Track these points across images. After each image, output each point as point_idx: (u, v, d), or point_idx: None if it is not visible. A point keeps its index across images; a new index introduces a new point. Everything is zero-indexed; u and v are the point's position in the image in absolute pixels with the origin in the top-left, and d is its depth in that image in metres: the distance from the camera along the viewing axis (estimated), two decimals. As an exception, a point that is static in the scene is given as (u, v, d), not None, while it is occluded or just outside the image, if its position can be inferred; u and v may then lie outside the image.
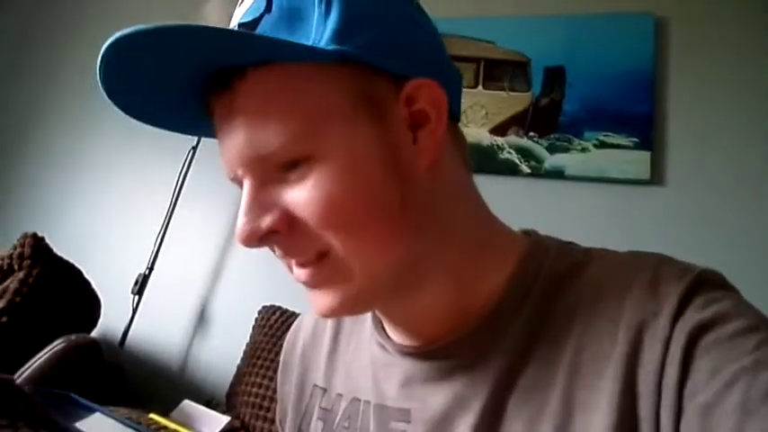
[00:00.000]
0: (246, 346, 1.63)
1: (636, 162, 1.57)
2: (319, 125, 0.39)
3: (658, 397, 0.36)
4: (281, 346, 1.44)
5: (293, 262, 0.44)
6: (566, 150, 1.65)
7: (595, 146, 1.63)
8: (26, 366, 1.20)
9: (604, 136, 1.62)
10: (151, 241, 1.92)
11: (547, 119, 1.70)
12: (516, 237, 0.50)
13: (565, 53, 1.73)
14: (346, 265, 0.41)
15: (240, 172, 0.41)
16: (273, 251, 0.44)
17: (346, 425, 0.51)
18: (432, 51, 0.46)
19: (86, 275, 1.61)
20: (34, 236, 1.44)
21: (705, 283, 0.40)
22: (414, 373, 0.48)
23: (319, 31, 0.40)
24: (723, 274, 0.42)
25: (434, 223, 0.44)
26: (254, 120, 0.39)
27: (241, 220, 0.41)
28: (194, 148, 1.98)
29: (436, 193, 0.44)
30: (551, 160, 1.66)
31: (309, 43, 0.40)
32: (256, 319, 1.66)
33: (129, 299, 1.83)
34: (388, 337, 0.51)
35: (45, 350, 1.22)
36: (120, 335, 1.77)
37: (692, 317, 0.37)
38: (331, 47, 0.39)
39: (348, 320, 0.58)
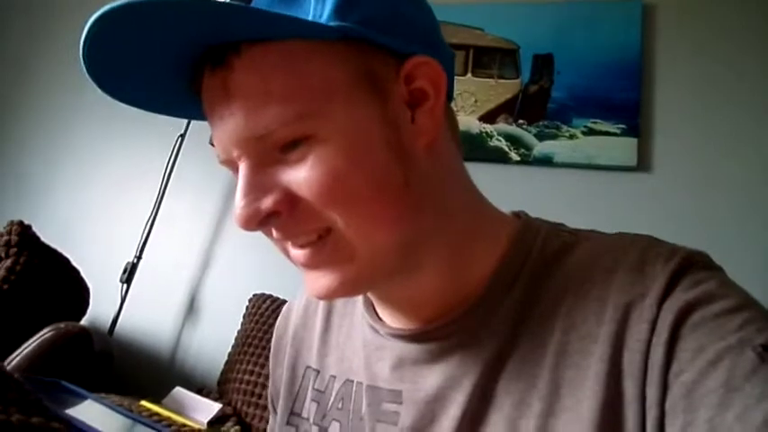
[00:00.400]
0: (237, 333, 1.64)
1: (623, 149, 1.59)
2: (321, 104, 0.38)
3: (644, 376, 0.37)
4: (272, 333, 1.44)
5: (290, 244, 0.43)
6: (554, 137, 1.66)
7: (584, 133, 1.64)
8: (15, 354, 1.20)
9: (592, 123, 1.64)
10: (140, 229, 1.91)
11: (536, 106, 1.71)
12: (507, 218, 0.50)
13: (553, 40, 1.74)
14: (349, 243, 0.41)
15: (236, 153, 0.40)
16: (269, 235, 0.44)
17: (339, 406, 0.52)
18: (429, 29, 0.46)
19: (75, 264, 1.60)
20: (21, 223, 1.43)
21: (692, 264, 0.40)
22: (405, 354, 0.48)
23: (318, 8, 0.39)
24: (709, 255, 0.42)
25: (432, 204, 0.43)
26: (252, 99, 0.38)
27: (240, 203, 0.39)
28: (182, 136, 1.97)
29: (433, 173, 0.43)
30: (540, 147, 1.67)
31: (309, 19, 0.38)
32: (247, 307, 1.66)
33: (118, 287, 1.82)
34: (380, 319, 0.51)
35: (34, 338, 1.22)
36: (109, 323, 1.77)
37: (678, 297, 0.38)
38: (333, 23, 0.38)
39: (339, 302, 0.58)
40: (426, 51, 0.42)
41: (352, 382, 0.52)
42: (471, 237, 0.46)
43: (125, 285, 1.83)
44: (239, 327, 1.65)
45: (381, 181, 0.40)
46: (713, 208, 1.49)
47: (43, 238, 1.57)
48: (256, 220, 0.40)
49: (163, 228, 1.95)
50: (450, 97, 0.47)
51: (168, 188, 1.94)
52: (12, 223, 1.43)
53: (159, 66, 0.40)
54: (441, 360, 0.46)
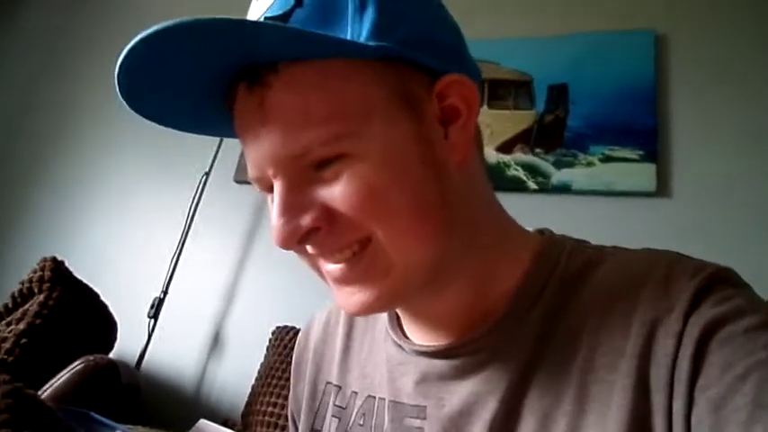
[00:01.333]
0: (261, 366, 1.65)
1: (641, 174, 1.59)
2: (360, 124, 0.38)
3: (671, 390, 0.36)
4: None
5: (323, 263, 0.43)
6: (571, 165, 1.68)
7: (601, 160, 1.65)
8: (47, 386, 1.23)
9: (609, 150, 1.65)
10: (166, 265, 1.95)
11: (552, 135, 1.73)
12: (531, 235, 0.50)
13: (567, 71, 1.77)
14: (387, 255, 0.41)
15: (271, 172, 0.40)
16: (303, 253, 0.44)
17: (361, 422, 0.51)
18: (458, 47, 0.47)
19: (104, 299, 1.64)
20: (54, 259, 1.48)
21: (719, 280, 0.40)
22: (430, 370, 0.48)
23: (356, 27, 0.39)
24: (736, 272, 0.42)
25: (464, 220, 0.44)
26: (290, 118, 0.38)
27: (279, 222, 0.39)
28: (207, 174, 2.03)
29: (465, 189, 0.44)
30: (558, 175, 1.68)
31: (348, 39, 0.39)
32: (270, 340, 1.67)
33: (145, 322, 1.86)
34: (405, 336, 0.51)
35: (65, 371, 1.25)
36: (136, 357, 1.80)
37: (705, 312, 0.37)
38: (372, 43, 0.38)
39: (361, 319, 0.59)
40: (458, 69, 0.43)
41: (375, 398, 0.52)
42: (497, 253, 0.47)
43: (152, 320, 1.86)
44: (262, 359, 1.66)
45: (418, 196, 0.40)
46: (733, 232, 1.48)
47: (75, 274, 1.62)
48: (296, 238, 0.40)
49: (188, 263, 1.99)
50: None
51: (193, 224, 1.99)
52: (45, 260, 1.48)
53: (193, 85, 0.41)
54: (466, 376, 0.46)
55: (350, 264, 0.42)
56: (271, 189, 0.42)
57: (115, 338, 1.61)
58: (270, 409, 1.47)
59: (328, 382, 0.58)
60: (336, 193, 0.39)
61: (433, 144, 0.42)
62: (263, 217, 2.02)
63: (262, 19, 0.40)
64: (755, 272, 0.43)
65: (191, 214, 1.99)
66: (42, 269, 1.44)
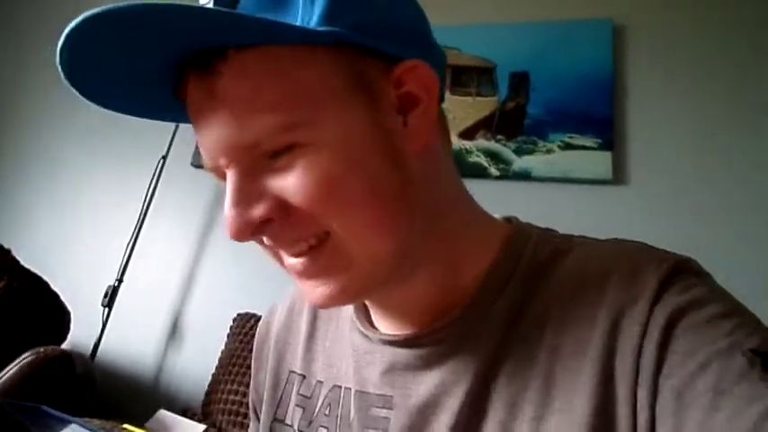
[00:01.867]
0: (221, 353, 1.62)
1: (599, 162, 1.63)
2: (313, 111, 0.37)
3: (636, 378, 0.37)
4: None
5: (284, 253, 0.42)
6: (531, 152, 1.70)
7: (560, 147, 1.68)
8: (-6, 380, 1.18)
9: (569, 138, 1.68)
10: (121, 252, 1.89)
11: (513, 122, 1.75)
12: (498, 223, 0.50)
13: (529, 59, 1.79)
14: (346, 249, 0.40)
15: (223, 161, 0.39)
16: (261, 244, 0.42)
17: (327, 412, 0.51)
18: (419, 31, 0.45)
19: (55, 288, 1.58)
20: (0, 247, 1.41)
21: (683, 269, 0.40)
22: (396, 360, 0.47)
23: (307, 12, 0.38)
24: (698, 262, 0.42)
25: (426, 208, 0.43)
26: (241, 106, 0.37)
27: (231, 213, 0.38)
28: (164, 158, 1.97)
29: (426, 177, 0.43)
30: (519, 162, 1.70)
31: (298, 24, 0.37)
32: (231, 327, 1.65)
33: (100, 311, 1.80)
34: (371, 325, 0.51)
35: (14, 363, 1.20)
36: (91, 347, 1.74)
37: (670, 301, 0.38)
38: (323, 28, 0.37)
39: (325, 309, 0.58)
40: (417, 55, 0.42)
41: (340, 387, 0.51)
42: (463, 240, 0.46)
43: (106, 309, 1.81)
44: (223, 347, 1.64)
45: (375, 187, 0.39)
46: (688, 219, 1.53)
47: (24, 261, 1.55)
48: (249, 230, 0.39)
49: (144, 250, 1.94)
50: (440, 100, 0.47)
51: (150, 210, 1.93)
52: (-10, 248, 1.41)
53: (143, 71, 0.39)
54: (433, 366, 0.45)
55: (310, 257, 0.41)
56: (225, 178, 0.40)
57: (68, 329, 1.56)
58: (231, 397, 1.46)
59: (291, 371, 0.57)
60: (290, 184, 0.38)
61: (391, 132, 0.40)
62: (222, 202, 1.98)
63: (210, 4, 0.38)
64: (706, 258, 0.44)
65: (147, 199, 1.93)
66: (-14, 259, 1.37)
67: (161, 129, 1.96)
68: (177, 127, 1.98)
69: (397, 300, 0.47)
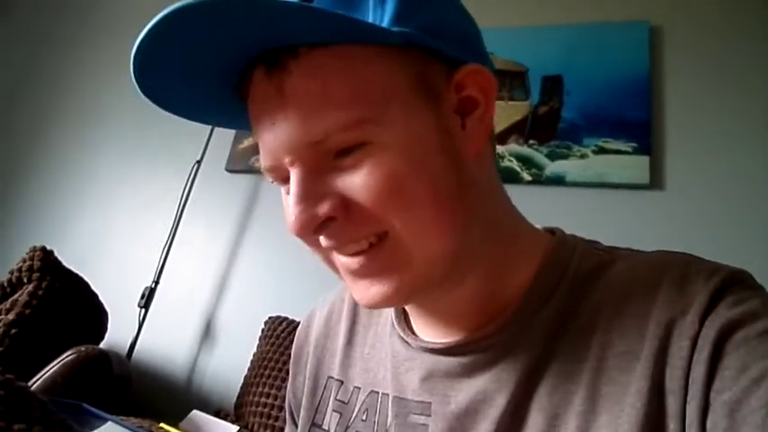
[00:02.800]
0: (253, 356, 1.64)
1: (635, 167, 1.59)
2: (380, 110, 0.38)
3: (685, 393, 0.36)
4: (288, 355, 1.44)
5: (336, 254, 0.42)
6: (565, 157, 1.67)
7: (594, 152, 1.65)
8: (37, 377, 1.22)
9: (603, 142, 1.65)
10: (157, 255, 1.94)
11: (546, 126, 1.72)
12: (541, 234, 0.50)
13: (562, 62, 1.76)
14: (405, 248, 0.40)
15: (288, 159, 0.39)
16: (315, 245, 0.43)
17: (364, 417, 0.51)
18: (475, 38, 0.46)
19: (94, 289, 1.63)
20: (43, 249, 1.46)
21: (735, 282, 0.39)
22: (436, 367, 0.47)
23: (378, 12, 0.38)
24: (751, 274, 0.41)
25: (481, 212, 0.43)
26: (310, 103, 0.37)
27: (296, 209, 0.38)
28: (198, 162, 2.01)
29: (480, 181, 0.43)
30: (552, 167, 1.68)
31: (367, 24, 0.38)
32: (263, 330, 1.67)
33: (136, 312, 1.84)
34: (412, 332, 0.51)
35: (55, 361, 1.24)
36: (127, 347, 1.79)
37: (721, 314, 0.37)
38: (395, 28, 0.38)
39: (364, 314, 0.58)
40: (474, 59, 0.43)
41: (378, 393, 0.51)
42: (510, 248, 0.46)
43: (143, 310, 1.85)
44: (255, 349, 1.66)
45: (438, 187, 0.39)
46: (725, 225, 1.49)
47: (64, 263, 1.60)
48: (312, 227, 0.39)
49: (179, 253, 1.98)
50: None
51: (185, 214, 1.97)
52: (34, 249, 1.46)
53: (209, 68, 0.40)
54: (474, 374, 0.45)
55: (368, 256, 0.41)
56: (285, 180, 0.41)
57: (106, 328, 1.60)
58: (263, 399, 1.47)
59: (330, 377, 0.57)
60: (356, 182, 0.38)
61: (451, 134, 0.41)
62: (256, 207, 2.01)
63: None
64: (747, 266, 0.43)
65: (182, 203, 1.97)
66: (32, 258, 1.42)
67: (196, 133, 2.01)
68: (212, 132, 2.02)
69: (442, 304, 0.47)
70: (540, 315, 0.44)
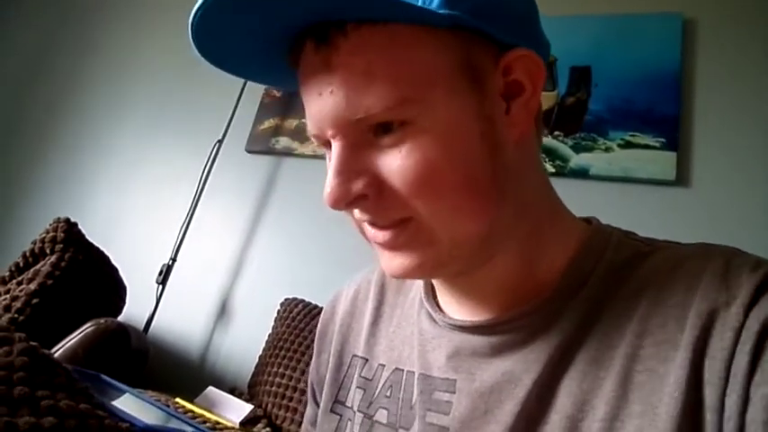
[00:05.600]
0: (268, 336, 1.65)
1: (661, 162, 1.56)
2: (424, 91, 0.38)
3: (725, 384, 0.35)
4: (304, 337, 1.45)
5: (367, 225, 0.44)
6: (590, 150, 1.65)
7: (620, 146, 1.62)
8: (57, 347, 1.23)
9: (630, 136, 1.62)
10: (175, 232, 1.95)
11: (572, 118, 1.70)
12: (579, 221, 0.50)
13: (591, 53, 1.73)
14: (430, 229, 0.41)
15: (331, 132, 0.40)
16: (350, 214, 0.44)
17: (388, 394, 0.51)
18: (528, 18, 0.46)
19: (112, 264, 1.64)
20: (67, 220, 1.47)
21: None
22: (464, 345, 0.47)
23: None
24: None
25: (514, 197, 0.43)
26: (356, 79, 0.38)
27: (333, 182, 0.40)
28: (220, 142, 2.01)
29: (520, 165, 0.43)
30: (576, 159, 1.65)
31: (419, 5, 0.38)
32: (278, 311, 1.68)
33: (154, 288, 1.86)
34: (440, 309, 0.51)
35: (75, 333, 1.25)
36: (144, 322, 1.81)
37: (765, 308, 0.36)
38: (443, 11, 0.38)
39: (391, 292, 0.59)
40: (525, 42, 0.42)
41: (403, 371, 0.52)
42: (544, 232, 0.46)
43: (160, 286, 1.87)
44: (270, 330, 1.67)
45: (471, 174, 0.40)
46: (753, 223, 1.46)
47: (82, 238, 1.61)
48: (346, 201, 0.40)
49: (198, 231, 1.99)
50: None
51: (204, 193, 1.98)
52: (58, 220, 1.47)
53: (261, 35, 0.41)
54: (501, 354, 0.45)
55: (395, 231, 0.42)
56: (328, 146, 0.42)
57: (124, 303, 1.62)
58: (277, 379, 1.48)
59: (354, 355, 0.58)
60: (394, 164, 0.39)
61: (493, 119, 0.41)
62: (274, 189, 2.01)
63: None
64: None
65: (202, 182, 1.98)
66: (55, 230, 1.43)
67: (218, 113, 2.01)
68: (234, 112, 2.02)
69: (472, 283, 0.48)
70: (575, 300, 0.44)
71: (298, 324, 1.57)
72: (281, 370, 1.49)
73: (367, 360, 0.56)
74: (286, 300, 1.69)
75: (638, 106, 1.63)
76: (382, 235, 0.42)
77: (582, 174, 1.64)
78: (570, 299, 0.44)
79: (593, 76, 1.71)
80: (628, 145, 1.61)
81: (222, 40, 0.41)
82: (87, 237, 1.60)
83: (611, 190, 1.61)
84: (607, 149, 1.63)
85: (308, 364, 1.43)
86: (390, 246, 0.43)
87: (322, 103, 0.40)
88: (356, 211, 0.43)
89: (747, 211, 1.48)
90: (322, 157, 1.89)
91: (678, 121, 1.58)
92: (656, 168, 1.56)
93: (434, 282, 0.53)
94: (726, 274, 0.39)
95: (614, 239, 0.47)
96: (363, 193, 0.40)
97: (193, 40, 0.40)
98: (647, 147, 1.59)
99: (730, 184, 1.52)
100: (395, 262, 0.43)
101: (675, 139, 1.57)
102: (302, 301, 1.65)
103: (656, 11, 1.70)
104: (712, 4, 1.67)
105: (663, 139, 1.58)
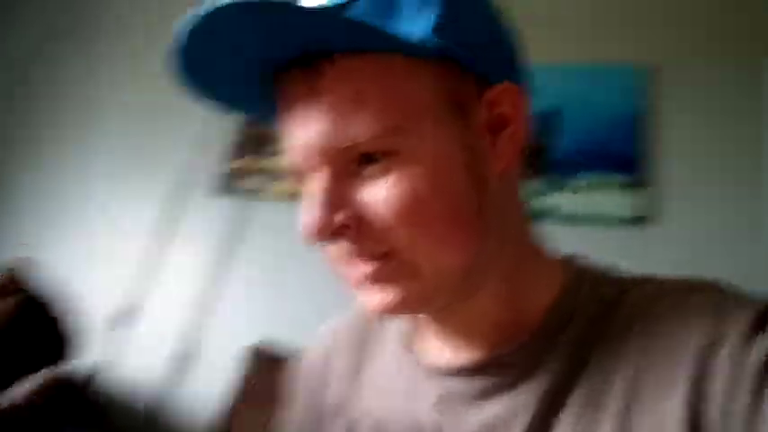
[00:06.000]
0: (232, 384, 1.58)
1: (626, 201, 1.60)
2: (411, 121, 0.38)
3: (726, 423, 0.34)
4: (267, 386, 1.38)
5: (347, 260, 0.42)
6: (558, 190, 1.67)
7: (588, 186, 1.65)
8: (5, 397, 1.14)
9: (597, 177, 1.65)
10: (139, 276, 1.88)
11: (539, 160, 1.72)
12: (562, 258, 0.49)
13: (557, 98, 1.77)
14: (413, 263, 0.39)
15: (315, 161, 0.39)
16: (326, 251, 0.43)
17: None
18: (513, 52, 0.45)
19: (70, 307, 1.57)
20: (16, 266, 1.40)
21: None
22: (450, 390, 0.45)
23: (416, 22, 0.38)
24: None
25: (498, 230, 0.42)
26: (343, 108, 0.37)
27: (316, 213, 0.38)
28: (184, 182, 1.98)
29: (502, 199, 0.43)
30: (545, 200, 1.67)
31: (404, 34, 0.38)
32: (242, 359, 1.62)
33: (111, 334, 1.78)
34: (425, 354, 0.49)
35: (25, 383, 1.17)
36: (100, 370, 1.71)
37: (763, 345, 0.35)
38: (431, 41, 0.38)
39: (370, 337, 0.56)
40: (510, 76, 0.42)
41: (387, 420, 0.49)
42: (528, 268, 0.45)
43: (117, 332, 1.79)
44: (233, 378, 1.60)
45: (456, 206, 0.39)
46: (719, 260, 1.48)
47: (39, 280, 1.54)
48: (329, 232, 0.39)
49: (160, 275, 1.93)
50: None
51: (166, 236, 1.93)
52: (11, 263, 1.40)
53: (242, 66, 0.40)
54: (490, 397, 0.43)
55: (374, 266, 0.40)
56: (307, 177, 0.41)
57: (77, 349, 1.53)
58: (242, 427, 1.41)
59: (332, 410, 0.54)
60: (379, 194, 0.38)
61: (478, 152, 0.40)
62: (239, 231, 1.96)
63: (322, 3, 0.40)
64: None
65: (165, 225, 1.92)
66: (2, 275, 1.36)
67: (183, 151, 1.98)
68: (196, 151, 2.00)
69: (456, 321, 0.46)
70: (562, 337, 0.42)
71: (262, 373, 1.51)
72: (245, 417, 1.41)
73: (347, 413, 0.53)
74: (249, 347, 1.64)
75: (604, 148, 1.67)
76: (364, 267, 0.40)
77: (550, 215, 1.65)
78: (558, 335, 0.43)
79: (560, 121, 1.75)
80: (595, 186, 1.65)
81: (202, 68, 0.40)
82: (48, 279, 1.53)
83: (580, 230, 1.62)
84: (575, 191, 1.66)
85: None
86: (373, 279, 0.40)
87: (307, 132, 0.39)
88: (334, 248, 0.41)
89: (712, 247, 1.52)
90: (288, 200, 1.87)
91: (642, 161, 1.63)
92: (621, 207, 1.60)
93: (416, 324, 0.51)
94: (718, 308, 0.39)
95: (598, 275, 0.46)
96: (346, 223, 0.39)
97: (175, 67, 0.39)
98: (613, 187, 1.62)
99: (695, 219, 1.57)
100: (376, 298, 0.41)
101: (640, 178, 1.61)
102: (266, 348, 1.59)
103: (618, 59, 1.76)
104: (669, 52, 1.75)
105: (629, 180, 1.62)
